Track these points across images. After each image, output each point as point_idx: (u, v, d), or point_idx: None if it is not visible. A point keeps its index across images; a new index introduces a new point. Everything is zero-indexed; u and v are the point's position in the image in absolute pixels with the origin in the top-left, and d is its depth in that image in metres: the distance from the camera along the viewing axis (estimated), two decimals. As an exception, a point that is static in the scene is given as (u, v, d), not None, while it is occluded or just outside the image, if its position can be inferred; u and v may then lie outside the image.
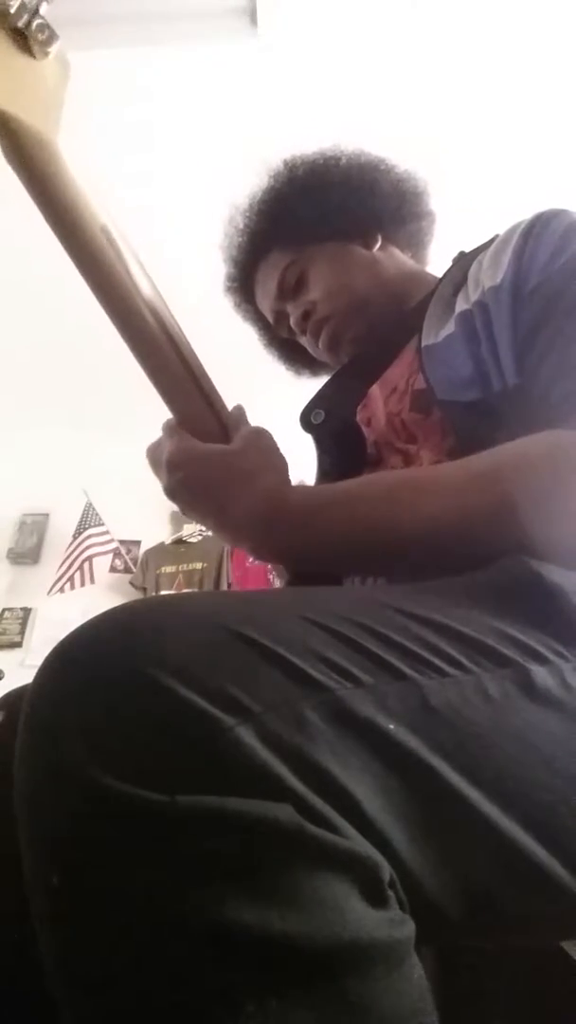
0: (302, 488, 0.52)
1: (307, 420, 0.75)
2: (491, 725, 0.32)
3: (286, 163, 0.80)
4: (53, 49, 0.45)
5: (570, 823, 0.32)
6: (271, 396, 1.70)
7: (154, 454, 0.58)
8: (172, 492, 0.55)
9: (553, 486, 0.43)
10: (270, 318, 0.84)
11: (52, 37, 0.44)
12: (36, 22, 0.43)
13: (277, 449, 0.55)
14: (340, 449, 0.73)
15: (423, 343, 0.60)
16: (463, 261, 0.66)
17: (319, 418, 0.74)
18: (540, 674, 0.34)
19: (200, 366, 0.56)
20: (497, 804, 0.30)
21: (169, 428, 0.57)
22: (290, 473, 0.57)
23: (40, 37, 0.44)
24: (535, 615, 0.37)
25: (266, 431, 0.56)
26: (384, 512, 0.47)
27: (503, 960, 0.55)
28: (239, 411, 0.59)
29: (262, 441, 0.55)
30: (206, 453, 0.54)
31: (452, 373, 0.56)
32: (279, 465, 0.54)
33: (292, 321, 0.78)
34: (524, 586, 0.39)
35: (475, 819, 0.30)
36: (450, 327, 0.58)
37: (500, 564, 0.41)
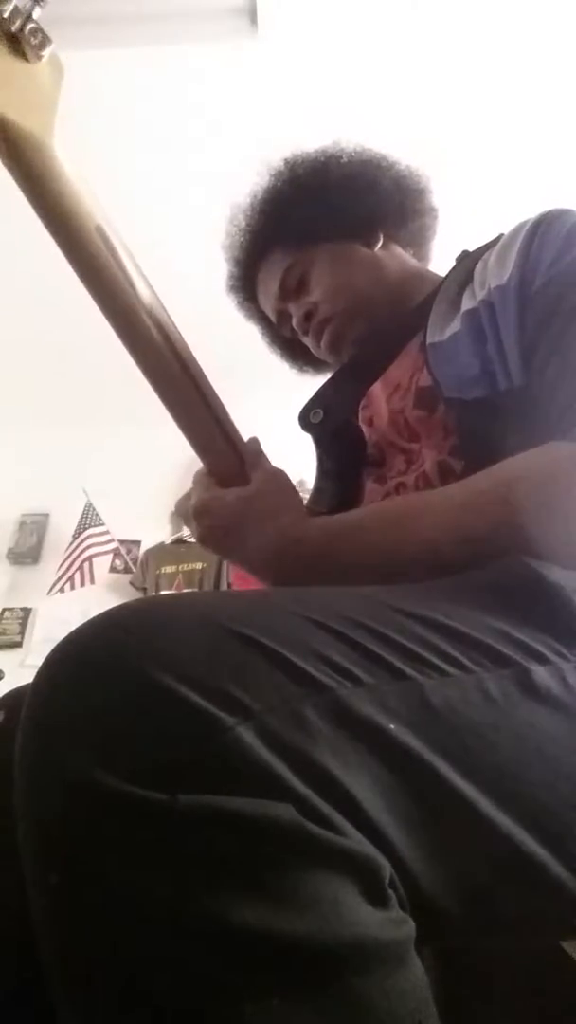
0: (315, 523, 0.55)
1: (306, 419, 0.75)
2: (491, 725, 0.32)
3: (287, 162, 0.79)
4: (46, 53, 0.46)
5: (570, 822, 0.32)
6: (271, 395, 1.70)
7: (183, 507, 0.63)
8: (202, 539, 0.60)
9: (554, 503, 0.43)
10: (272, 318, 0.84)
11: (45, 41, 0.45)
12: (29, 26, 0.44)
13: (292, 488, 0.59)
14: (340, 448, 0.73)
15: (428, 340, 0.60)
16: (467, 260, 0.66)
17: (318, 417, 0.74)
18: (540, 674, 0.34)
19: (196, 363, 0.56)
20: (497, 804, 0.30)
21: (196, 480, 0.62)
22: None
23: (33, 41, 0.44)
24: (536, 615, 0.37)
25: (282, 472, 0.59)
26: (390, 540, 0.49)
27: (503, 960, 0.55)
28: (255, 446, 0.61)
29: (277, 482, 0.58)
30: (225, 499, 0.57)
31: (458, 371, 0.56)
32: (293, 504, 0.57)
33: (294, 322, 0.78)
34: (525, 586, 0.39)
35: (475, 818, 0.30)
36: (456, 325, 0.58)
37: (501, 564, 0.41)
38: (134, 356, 0.54)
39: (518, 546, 0.42)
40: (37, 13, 0.44)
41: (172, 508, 2.98)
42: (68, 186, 0.47)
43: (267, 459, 0.61)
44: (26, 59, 0.45)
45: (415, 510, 0.50)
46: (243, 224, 0.82)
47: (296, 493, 0.59)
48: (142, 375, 0.55)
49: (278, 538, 0.54)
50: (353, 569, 0.49)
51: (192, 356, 0.56)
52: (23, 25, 0.43)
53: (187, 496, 0.63)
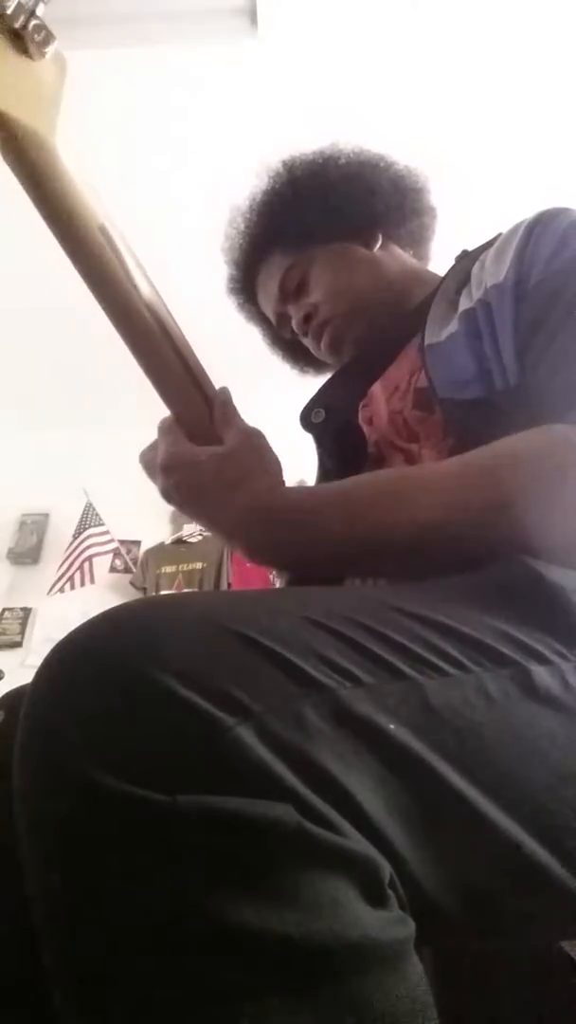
0: (296, 488, 0.52)
1: (307, 419, 0.75)
2: (491, 725, 0.32)
3: (285, 164, 0.79)
4: (50, 50, 0.45)
5: (570, 823, 0.32)
6: (270, 395, 1.70)
7: (148, 458, 0.58)
8: (167, 495, 0.56)
9: (549, 479, 0.43)
10: (272, 320, 0.84)
11: (49, 38, 0.44)
12: (33, 23, 0.43)
13: (270, 449, 0.54)
14: (341, 448, 0.73)
15: (426, 342, 0.60)
16: (466, 260, 0.66)
17: (319, 417, 0.74)
18: (540, 674, 0.34)
19: (199, 365, 0.56)
20: (497, 804, 0.30)
21: (163, 429, 0.57)
22: (290, 473, 0.57)
23: (37, 38, 0.44)
24: (536, 615, 0.37)
25: (258, 431, 0.55)
26: (380, 510, 0.46)
27: (503, 960, 0.55)
28: (227, 400, 0.56)
29: (254, 442, 0.54)
30: (197, 456, 0.53)
31: (455, 371, 0.56)
32: (271, 466, 0.53)
33: (294, 323, 0.78)
34: (525, 586, 0.39)
35: (475, 819, 0.30)
36: (453, 326, 0.58)
37: (501, 564, 0.41)
38: (135, 355, 0.54)
39: (508, 523, 0.42)
40: (41, 10, 0.43)
41: (172, 508, 2.97)
42: (71, 185, 0.47)
43: (239, 416, 0.56)
44: (29, 56, 0.44)
45: (408, 483, 0.48)
46: (242, 227, 0.82)
47: (276, 456, 0.54)
48: (144, 374, 0.55)
49: (253, 503, 0.50)
50: (339, 540, 0.47)
51: (195, 356, 0.56)
52: (27, 22, 0.43)
53: (151, 447, 0.58)
